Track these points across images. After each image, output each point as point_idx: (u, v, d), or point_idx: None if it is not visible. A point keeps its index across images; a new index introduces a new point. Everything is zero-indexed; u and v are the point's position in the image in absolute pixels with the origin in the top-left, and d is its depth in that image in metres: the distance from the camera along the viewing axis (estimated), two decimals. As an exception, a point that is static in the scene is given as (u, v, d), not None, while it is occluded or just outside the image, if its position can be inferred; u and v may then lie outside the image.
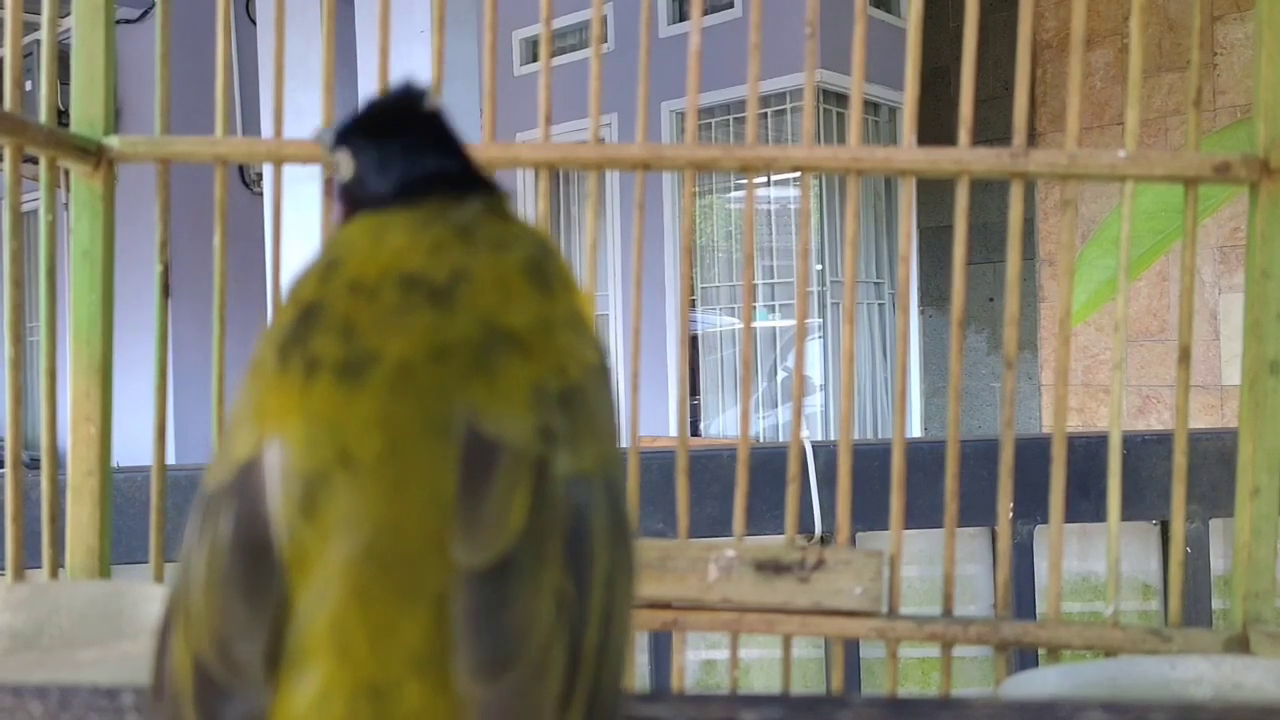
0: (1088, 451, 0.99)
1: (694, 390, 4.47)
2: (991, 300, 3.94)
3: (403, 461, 0.27)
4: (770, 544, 0.59)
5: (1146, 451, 1.10)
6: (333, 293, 0.29)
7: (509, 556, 0.26)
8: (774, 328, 4.20)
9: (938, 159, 0.58)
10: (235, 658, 0.25)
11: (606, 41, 4.17)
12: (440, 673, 0.25)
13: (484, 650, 0.25)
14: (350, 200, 0.34)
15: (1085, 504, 0.96)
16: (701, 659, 1.18)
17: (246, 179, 4.78)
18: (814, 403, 4.26)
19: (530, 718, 0.25)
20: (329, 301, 0.29)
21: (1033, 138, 3.20)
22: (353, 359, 0.28)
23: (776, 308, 4.19)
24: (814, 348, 4.19)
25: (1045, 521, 0.63)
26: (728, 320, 4.39)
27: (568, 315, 0.31)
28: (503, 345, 0.29)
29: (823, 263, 4.06)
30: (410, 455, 0.27)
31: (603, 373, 0.31)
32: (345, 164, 0.34)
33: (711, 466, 1.06)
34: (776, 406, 4.31)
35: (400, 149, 0.34)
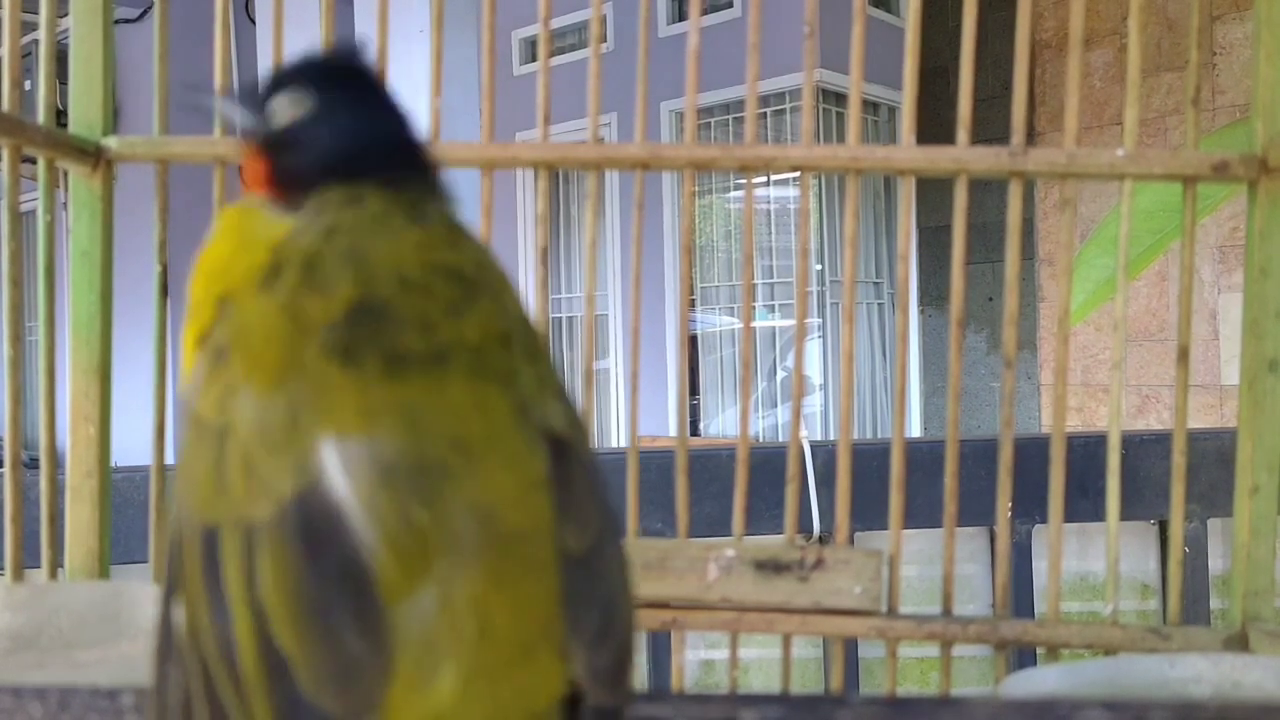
0: (1087, 451, 0.99)
1: (693, 390, 4.47)
2: (991, 300, 3.94)
3: (502, 443, 0.28)
4: (769, 544, 0.59)
5: (1145, 451, 1.10)
6: (385, 289, 0.29)
7: (599, 540, 0.29)
8: (773, 328, 4.20)
9: (936, 158, 0.58)
10: (355, 689, 0.25)
11: (605, 41, 4.17)
12: (556, 637, 0.27)
13: (593, 623, 0.28)
14: (295, 155, 0.33)
15: (1084, 503, 0.96)
16: (701, 658, 1.18)
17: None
18: (813, 402, 4.26)
19: (623, 676, 0.28)
20: (387, 298, 0.29)
21: (1031, 137, 3.20)
22: (434, 351, 0.29)
23: (776, 308, 4.19)
24: (813, 348, 4.18)
25: (1044, 521, 0.63)
26: (727, 320, 4.39)
27: (516, 298, 0.33)
28: (526, 333, 0.31)
29: (822, 262, 4.06)
30: (506, 437, 0.29)
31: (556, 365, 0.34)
32: (285, 109, 0.33)
33: (711, 466, 1.06)
34: (776, 406, 4.31)
35: (366, 112, 0.33)
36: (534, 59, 4.57)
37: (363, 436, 0.27)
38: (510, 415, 0.29)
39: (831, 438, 1.64)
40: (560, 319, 4.46)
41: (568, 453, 0.29)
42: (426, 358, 0.28)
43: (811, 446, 1.06)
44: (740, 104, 3.65)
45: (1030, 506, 1.07)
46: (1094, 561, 1.19)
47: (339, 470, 0.26)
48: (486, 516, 0.27)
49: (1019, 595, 1.10)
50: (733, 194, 4.41)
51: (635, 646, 0.29)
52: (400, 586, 0.26)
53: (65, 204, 0.62)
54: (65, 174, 0.61)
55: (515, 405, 0.29)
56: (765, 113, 4.00)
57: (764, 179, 3.83)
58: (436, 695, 0.25)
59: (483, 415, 0.28)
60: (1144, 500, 1.10)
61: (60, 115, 0.61)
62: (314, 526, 0.26)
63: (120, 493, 0.98)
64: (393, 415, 0.27)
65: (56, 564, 0.58)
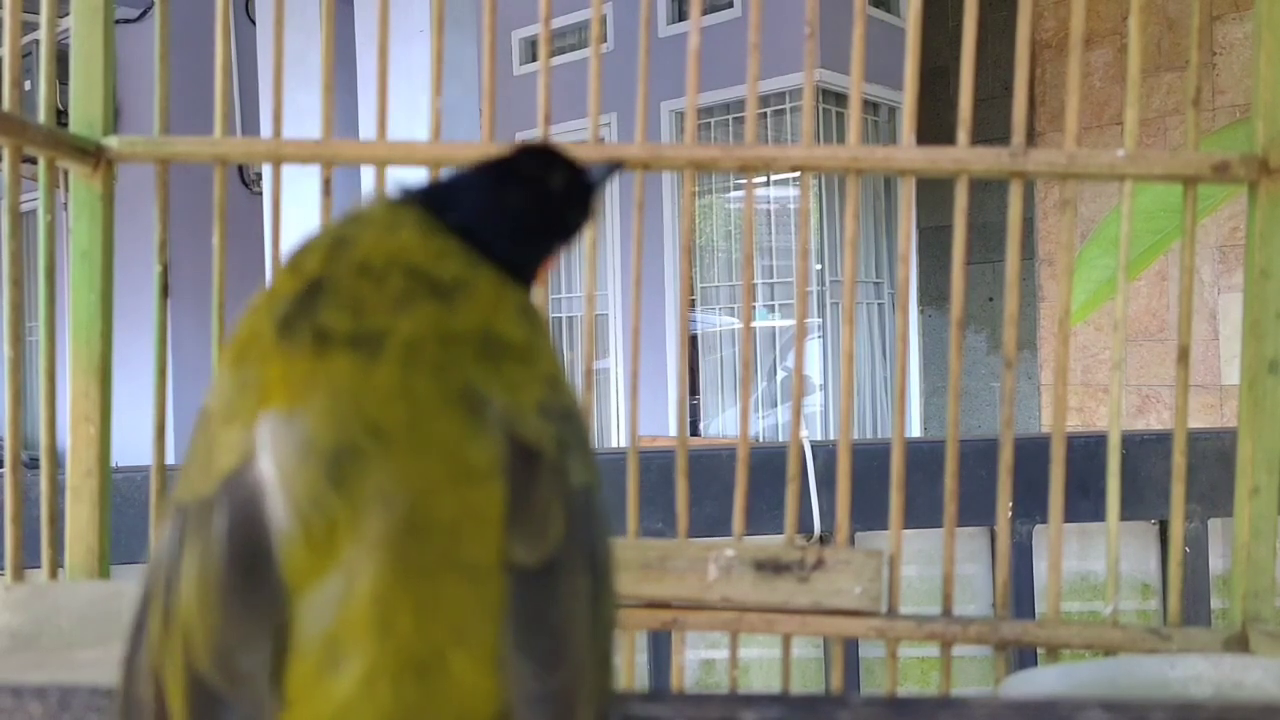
0: (1087, 451, 0.99)
1: (693, 390, 4.47)
2: (991, 300, 3.94)
3: (427, 432, 0.27)
4: (770, 544, 0.59)
5: (1146, 451, 1.10)
6: (340, 270, 0.30)
7: (555, 558, 0.27)
8: (773, 328, 4.20)
9: (937, 158, 0.58)
10: (237, 669, 0.25)
11: (606, 41, 4.17)
12: (481, 644, 0.25)
13: (539, 647, 0.26)
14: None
15: (1084, 504, 0.96)
16: (701, 658, 1.18)
17: (246, 179, 4.78)
18: (813, 402, 4.26)
19: (571, 711, 0.26)
20: (337, 278, 0.30)
21: (1032, 137, 3.20)
22: (364, 334, 0.28)
23: (776, 308, 4.19)
24: (813, 348, 4.19)
25: (1044, 521, 0.63)
26: (727, 320, 4.39)
27: (550, 354, 0.32)
28: (501, 347, 0.30)
29: (822, 262, 4.06)
30: (432, 425, 0.27)
31: (580, 412, 0.32)
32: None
33: (711, 466, 1.06)
34: (776, 406, 4.31)
35: (499, 206, 0.35)
36: (534, 59, 4.57)
37: (287, 412, 0.27)
38: (444, 405, 0.28)
39: (831, 438, 1.64)
40: (560, 319, 4.46)
41: (536, 463, 0.28)
42: (353, 339, 0.28)
43: (811, 446, 1.06)
44: (740, 104, 3.65)
45: (1030, 506, 1.07)
46: (1094, 561, 1.19)
47: (266, 447, 0.26)
48: (401, 506, 0.26)
49: (1019, 595, 1.10)
50: (733, 194, 4.41)
51: (594, 680, 0.27)
52: (308, 572, 0.25)
53: (65, 204, 0.62)
54: (65, 174, 0.61)
55: (456, 397, 0.28)
56: (765, 113, 4.01)
57: (764, 179, 3.83)
58: (336, 690, 0.24)
59: (408, 403, 0.27)
60: (1144, 500, 1.10)
61: (60, 115, 0.61)
62: (239, 503, 0.26)
63: (120, 493, 0.98)
64: (315, 392, 0.27)
65: (56, 564, 0.58)
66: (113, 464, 0.61)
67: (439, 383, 0.28)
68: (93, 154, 0.60)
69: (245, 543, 0.26)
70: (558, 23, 4.05)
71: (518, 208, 0.35)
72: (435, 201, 0.34)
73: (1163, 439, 1.10)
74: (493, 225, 0.34)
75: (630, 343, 0.63)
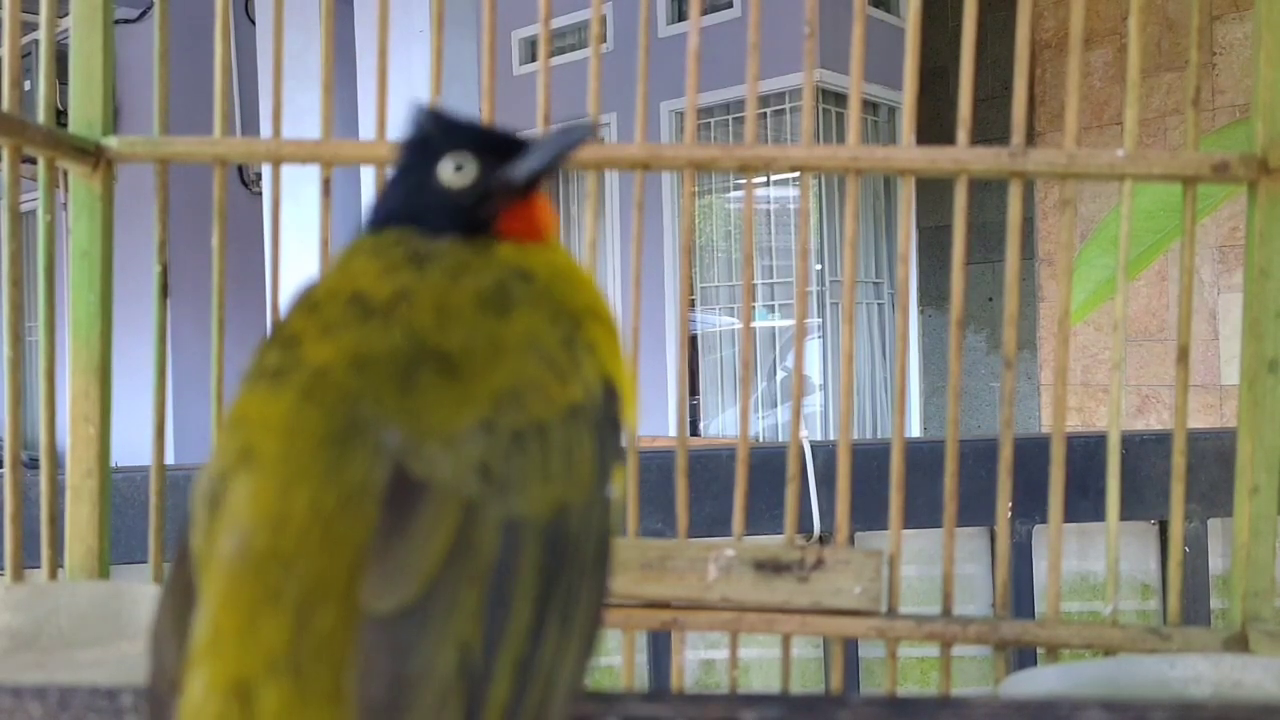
0: (1087, 451, 0.99)
1: (693, 390, 4.47)
2: (991, 300, 3.94)
3: (296, 463, 0.27)
4: (769, 544, 0.59)
5: (1145, 451, 1.10)
6: (294, 313, 0.32)
7: (417, 604, 0.26)
8: (773, 327, 4.20)
9: (937, 158, 0.58)
10: (164, 668, 0.28)
11: (605, 41, 4.16)
12: (301, 679, 0.25)
13: (377, 696, 0.25)
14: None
15: (1084, 503, 0.96)
16: (701, 658, 1.18)
17: (245, 179, 4.78)
18: (813, 402, 4.26)
19: None
20: (290, 320, 0.31)
21: (1031, 137, 3.19)
22: (283, 366, 0.29)
23: (776, 307, 4.19)
24: (813, 347, 4.18)
25: (1044, 521, 0.63)
26: (727, 320, 4.39)
27: (519, 354, 0.30)
28: (432, 365, 0.29)
29: (822, 262, 4.06)
30: (304, 458, 0.27)
31: (584, 411, 0.30)
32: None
33: (711, 466, 1.06)
34: (776, 406, 4.31)
35: (404, 178, 0.35)
36: (534, 59, 4.57)
37: (219, 441, 0.29)
38: (324, 436, 0.27)
39: (831, 438, 1.64)
40: (560, 319, 4.45)
41: (419, 498, 0.26)
42: (274, 372, 0.29)
43: (811, 446, 1.06)
44: (740, 104, 3.65)
45: (1030, 506, 1.07)
46: (1094, 561, 1.19)
47: (202, 472, 0.30)
48: (244, 536, 0.27)
49: (1019, 595, 1.10)
50: (733, 194, 4.41)
51: None
52: (201, 586, 0.28)
53: (65, 204, 0.62)
54: (65, 174, 0.61)
55: (337, 428, 0.27)
56: (765, 113, 4.00)
57: (764, 179, 3.83)
58: (187, 703, 0.26)
59: (286, 434, 0.28)
60: (1144, 500, 1.10)
61: (60, 115, 0.60)
62: (188, 521, 0.30)
63: (120, 493, 0.98)
64: (233, 423, 0.29)
65: (56, 564, 0.58)
66: (113, 464, 0.61)
67: (328, 414, 0.28)
68: (92, 154, 0.60)
69: (182, 555, 0.29)
70: (558, 23, 4.04)
71: (419, 179, 0.34)
72: (379, 213, 0.35)
73: (1163, 439, 1.10)
74: (418, 205, 0.34)
75: (630, 343, 0.63)
